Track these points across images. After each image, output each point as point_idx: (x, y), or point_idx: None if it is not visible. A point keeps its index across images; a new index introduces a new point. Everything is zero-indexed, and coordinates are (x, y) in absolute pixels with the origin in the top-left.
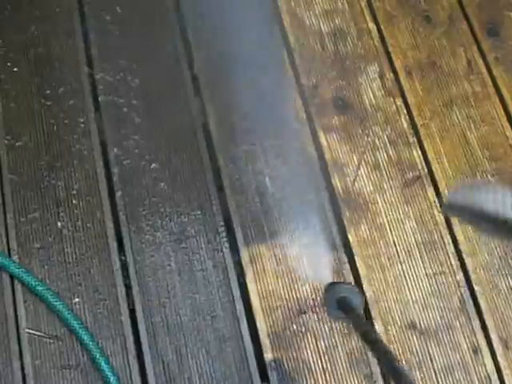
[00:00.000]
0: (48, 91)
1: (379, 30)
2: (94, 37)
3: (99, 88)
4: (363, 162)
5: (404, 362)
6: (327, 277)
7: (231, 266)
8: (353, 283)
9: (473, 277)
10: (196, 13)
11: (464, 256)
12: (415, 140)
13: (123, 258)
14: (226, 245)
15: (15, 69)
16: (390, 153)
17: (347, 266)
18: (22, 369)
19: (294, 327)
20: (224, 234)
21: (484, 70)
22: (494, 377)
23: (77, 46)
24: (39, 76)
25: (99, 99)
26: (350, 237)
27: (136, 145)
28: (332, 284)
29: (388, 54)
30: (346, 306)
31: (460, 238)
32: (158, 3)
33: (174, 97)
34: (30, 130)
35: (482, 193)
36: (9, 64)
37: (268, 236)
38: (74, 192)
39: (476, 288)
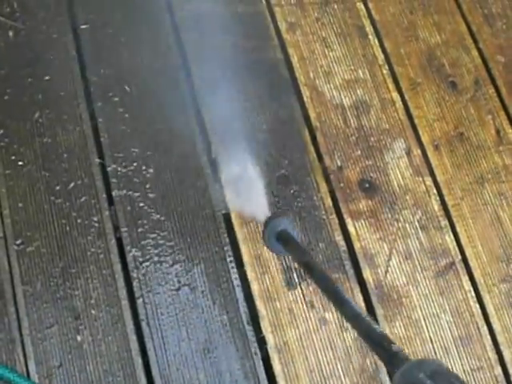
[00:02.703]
0: (57, 187)
1: (403, 100)
2: (102, 122)
3: (112, 181)
4: (394, 251)
5: None
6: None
7: (263, 375)
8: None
9: (511, 371)
10: (209, 92)
11: (502, 348)
12: (447, 223)
13: (148, 373)
14: (257, 351)
15: (20, 162)
16: (422, 239)
17: (383, 368)
18: None
19: None
20: (253, 340)
21: None
22: None
23: (85, 133)
24: (47, 170)
25: (113, 194)
26: None
27: (155, 244)
28: (269, 219)
29: (414, 127)
30: (285, 238)
31: (497, 328)
32: (169, 81)
33: (192, 186)
34: (41, 233)
35: None
36: (13, 157)
37: (299, 337)
38: (93, 301)
39: None
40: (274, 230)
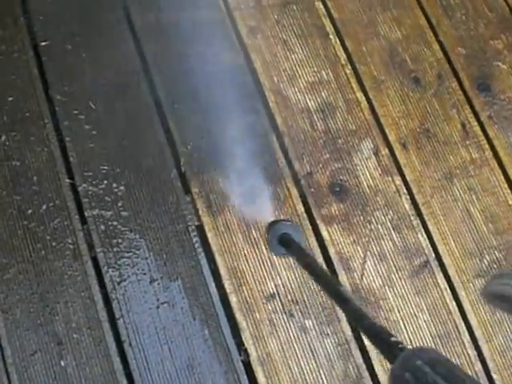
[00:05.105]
0: (30, 211)
1: (368, 100)
2: (70, 141)
3: (84, 201)
4: (369, 254)
5: None
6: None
7: None
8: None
9: (491, 365)
10: (175, 103)
11: (480, 343)
12: (419, 222)
13: None
14: (240, 365)
15: None
16: (395, 240)
17: (366, 373)
18: None
19: None
20: (236, 353)
21: (479, 133)
22: None
23: (53, 154)
24: (18, 194)
25: (85, 214)
26: (365, 340)
27: (131, 263)
28: (273, 222)
29: (380, 126)
30: (288, 241)
31: (474, 324)
32: (133, 94)
33: (164, 201)
34: (16, 259)
35: None
36: None
37: (280, 347)
38: (74, 325)
39: (495, 377)
40: (276, 234)
